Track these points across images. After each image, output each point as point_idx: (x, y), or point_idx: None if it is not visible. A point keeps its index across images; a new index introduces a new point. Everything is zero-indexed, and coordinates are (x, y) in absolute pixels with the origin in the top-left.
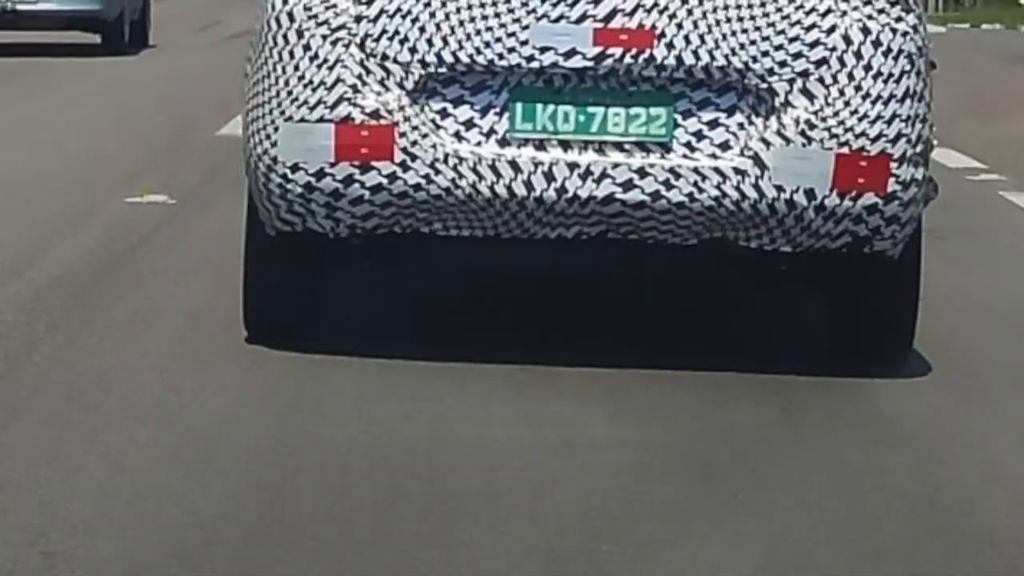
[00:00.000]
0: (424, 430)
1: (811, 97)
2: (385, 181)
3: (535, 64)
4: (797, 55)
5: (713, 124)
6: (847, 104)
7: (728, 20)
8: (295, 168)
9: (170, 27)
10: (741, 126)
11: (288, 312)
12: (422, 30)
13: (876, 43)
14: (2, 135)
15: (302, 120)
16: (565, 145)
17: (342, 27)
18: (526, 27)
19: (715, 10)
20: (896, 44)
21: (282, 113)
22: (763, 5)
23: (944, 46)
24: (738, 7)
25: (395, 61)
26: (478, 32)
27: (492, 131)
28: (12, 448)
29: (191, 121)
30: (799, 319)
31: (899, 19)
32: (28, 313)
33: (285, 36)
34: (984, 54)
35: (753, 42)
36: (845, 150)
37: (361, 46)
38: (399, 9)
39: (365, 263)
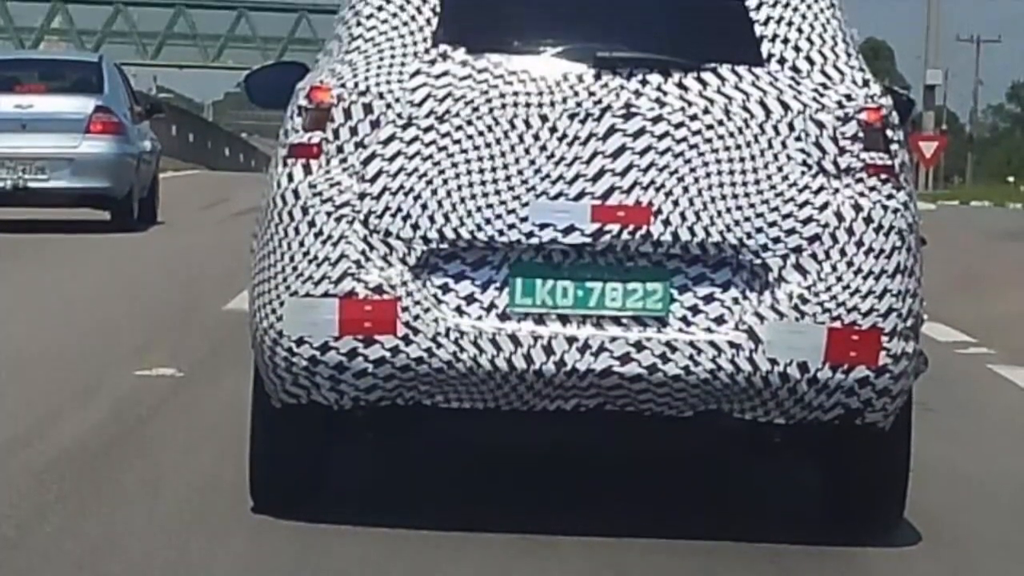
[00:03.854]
0: None
1: (804, 272)
2: (388, 355)
3: (534, 240)
4: (790, 231)
5: (708, 299)
6: (839, 279)
7: (723, 197)
8: (300, 342)
9: (178, 204)
10: (736, 300)
11: (293, 482)
12: (424, 207)
13: (868, 220)
14: (14, 308)
15: (307, 295)
16: (564, 319)
17: (346, 204)
18: (526, 204)
19: (710, 187)
20: (887, 221)
21: (287, 288)
22: (757, 183)
23: (934, 222)
24: (732, 184)
25: (398, 237)
26: (479, 209)
27: (492, 305)
28: None
29: (198, 296)
30: (793, 488)
31: (890, 196)
32: (39, 482)
33: (291, 213)
34: (973, 231)
35: (747, 219)
36: (837, 324)
37: (365, 223)
38: (401, 187)
39: (369, 434)
